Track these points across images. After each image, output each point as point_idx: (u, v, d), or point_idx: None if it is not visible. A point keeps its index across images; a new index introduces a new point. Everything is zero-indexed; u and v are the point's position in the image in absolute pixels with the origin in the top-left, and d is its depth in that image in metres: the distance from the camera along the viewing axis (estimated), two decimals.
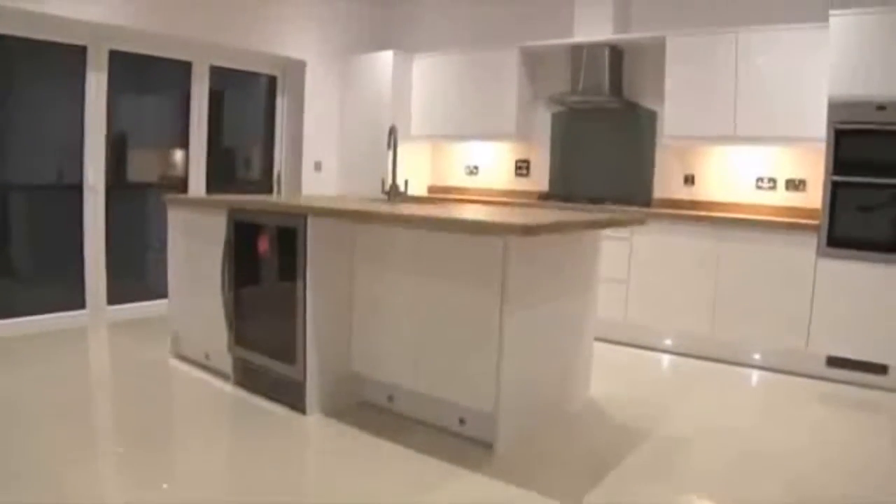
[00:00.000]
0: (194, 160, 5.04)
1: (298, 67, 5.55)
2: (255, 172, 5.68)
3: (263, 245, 3.18)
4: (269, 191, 5.64)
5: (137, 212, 4.94)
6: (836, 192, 3.79)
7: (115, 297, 4.63)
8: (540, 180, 5.42)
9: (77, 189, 4.42)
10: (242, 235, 3.28)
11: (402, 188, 3.77)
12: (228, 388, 3.35)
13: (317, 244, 2.96)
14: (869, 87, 3.67)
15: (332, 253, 3.04)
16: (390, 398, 3.08)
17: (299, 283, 2.98)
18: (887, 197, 3.65)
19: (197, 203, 3.60)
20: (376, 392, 3.13)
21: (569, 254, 2.99)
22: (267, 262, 3.20)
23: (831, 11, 3.77)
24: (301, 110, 5.59)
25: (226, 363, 3.42)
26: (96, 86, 4.40)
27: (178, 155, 5.05)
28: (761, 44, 4.15)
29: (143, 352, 3.90)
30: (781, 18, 4.16)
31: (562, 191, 5.26)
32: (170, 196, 3.73)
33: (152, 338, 4.07)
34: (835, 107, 3.77)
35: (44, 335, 4.13)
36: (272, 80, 5.63)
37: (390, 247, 2.98)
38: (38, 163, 4.36)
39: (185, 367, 3.64)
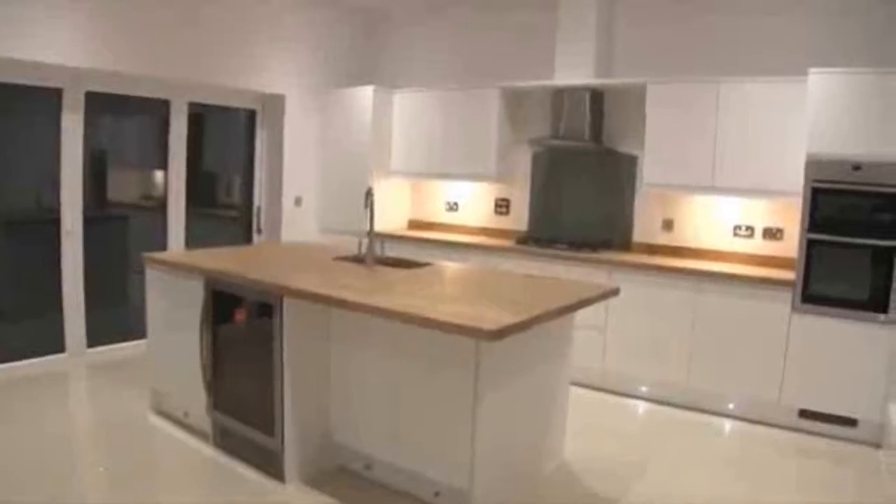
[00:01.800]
0: (173, 191, 5.00)
1: (277, 102, 5.48)
2: (236, 197, 5.64)
3: (241, 315, 3.18)
4: (250, 224, 5.60)
5: (118, 234, 4.91)
6: (811, 250, 3.84)
7: (95, 334, 4.60)
8: (519, 219, 5.42)
9: (56, 224, 4.38)
10: (220, 302, 3.27)
11: (378, 249, 3.79)
12: (207, 449, 3.35)
13: (293, 320, 2.97)
14: (846, 146, 3.71)
15: (309, 329, 3.05)
16: (367, 466, 3.11)
17: (276, 357, 2.99)
18: (861, 256, 3.71)
19: (175, 265, 3.58)
20: (354, 459, 3.15)
21: (542, 328, 3.01)
22: (245, 330, 3.21)
23: (811, 69, 3.79)
24: (280, 144, 5.53)
25: (205, 423, 3.42)
26: (73, 127, 4.35)
27: (159, 176, 5.03)
28: (741, 95, 4.16)
29: (122, 405, 3.87)
30: (763, 71, 4.17)
31: (541, 232, 5.25)
32: (148, 255, 3.70)
33: (132, 388, 4.04)
34: (812, 164, 3.80)
35: (23, 382, 4.11)
36: (252, 111, 5.57)
37: (366, 326, 2.98)
38: (16, 198, 4.32)
39: (163, 425, 3.62)
